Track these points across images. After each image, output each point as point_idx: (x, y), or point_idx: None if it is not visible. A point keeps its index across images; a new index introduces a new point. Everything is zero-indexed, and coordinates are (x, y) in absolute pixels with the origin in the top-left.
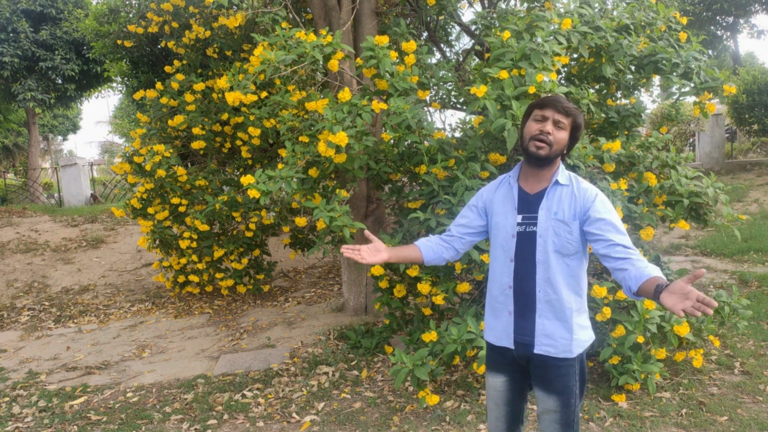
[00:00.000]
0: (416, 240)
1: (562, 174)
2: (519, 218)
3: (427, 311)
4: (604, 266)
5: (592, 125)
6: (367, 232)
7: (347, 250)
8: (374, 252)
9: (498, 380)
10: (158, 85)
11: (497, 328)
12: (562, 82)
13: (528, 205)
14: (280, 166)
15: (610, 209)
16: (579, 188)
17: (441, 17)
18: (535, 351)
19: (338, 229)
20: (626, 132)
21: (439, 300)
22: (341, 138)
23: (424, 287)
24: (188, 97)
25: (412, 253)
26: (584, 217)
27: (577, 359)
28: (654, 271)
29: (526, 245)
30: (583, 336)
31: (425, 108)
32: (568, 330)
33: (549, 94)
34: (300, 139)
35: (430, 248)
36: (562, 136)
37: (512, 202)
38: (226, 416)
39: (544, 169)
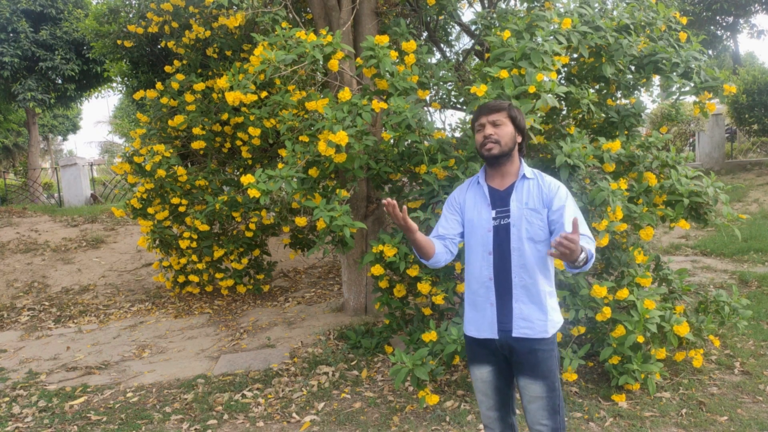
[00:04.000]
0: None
1: (527, 169)
2: (493, 213)
3: (427, 311)
4: (604, 266)
5: (592, 125)
6: (404, 208)
7: (388, 202)
8: (406, 218)
9: (484, 371)
10: (158, 85)
11: (479, 321)
12: (562, 81)
13: (500, 200)
14: (280, 165)
15: (571, 200)
16: (543, 180)
17: (441, 17)
18: (514, 334)
19: (338, 228)
20: (626, 132)
21: (439, 300)
22: (341, 137)
23: (424, 287)
24: (188, 97)
25: (429, 245)
26: (549, 204)
27: (554, 343)
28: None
29: (502, 237)
30: (556, 317)
31: (425, 108)
32: (543, 312)
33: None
34: (300, 138)
35: (440, 248)
36: (506, 130)
37: (485, 200)
38: (226, 416)
39: (505, 165)
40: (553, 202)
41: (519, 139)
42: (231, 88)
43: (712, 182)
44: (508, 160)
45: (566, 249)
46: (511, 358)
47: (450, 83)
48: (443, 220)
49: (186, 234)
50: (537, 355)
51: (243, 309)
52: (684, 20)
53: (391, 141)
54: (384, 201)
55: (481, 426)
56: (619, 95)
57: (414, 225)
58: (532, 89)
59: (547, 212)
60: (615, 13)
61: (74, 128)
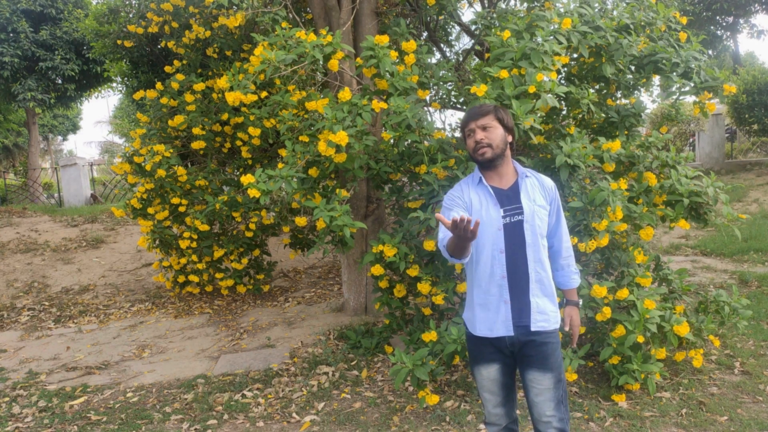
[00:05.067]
0: (417, 239)
1: (525, 169)
2: (502, 212)
3: (427, 311)
4: (604, 266)
5: (592, 125)
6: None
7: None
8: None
9: (492, 369)
10: (158, 85)
11: (491, 320)
12: (562, 81)
13: (506, 198)
14: (280, 165)
15: (562, 214)
16: (540, 179)
17: (441, 17)
18: (532, 329)
19: (338, 228)
20: (626, 132)
21: (439, 300)
22: (341, 137)
23: (424, 287)
24: (188, 97)
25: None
26: (550, 204)
27: (558, 334)
28: (572, 284)
29: (514, 234)
30: (558, 309)
31: (425, 108)
32: (554, 303)
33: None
34: (300, 138)
35: None
36: (496, 133)
37: (492, 199)
38: (226, 416)
39: (501, 166)
40: (552, 206)
41: (509, 139)
42: (231, 88)
43: (712, 182)
44: (502, 161)
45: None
46: (520, 352)
47: (450, 83)
48: (456, 215)
49: (186, 234)
50: (549, 347)
51: (243, 309)
52: (684, 20)
53: (391, 141)
54: (458, 218)
55: (482, 426)
56: (619, 95)
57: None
58: (532, 89)
59: (549, 210)
60: (615, 13)
61: (74, 128)
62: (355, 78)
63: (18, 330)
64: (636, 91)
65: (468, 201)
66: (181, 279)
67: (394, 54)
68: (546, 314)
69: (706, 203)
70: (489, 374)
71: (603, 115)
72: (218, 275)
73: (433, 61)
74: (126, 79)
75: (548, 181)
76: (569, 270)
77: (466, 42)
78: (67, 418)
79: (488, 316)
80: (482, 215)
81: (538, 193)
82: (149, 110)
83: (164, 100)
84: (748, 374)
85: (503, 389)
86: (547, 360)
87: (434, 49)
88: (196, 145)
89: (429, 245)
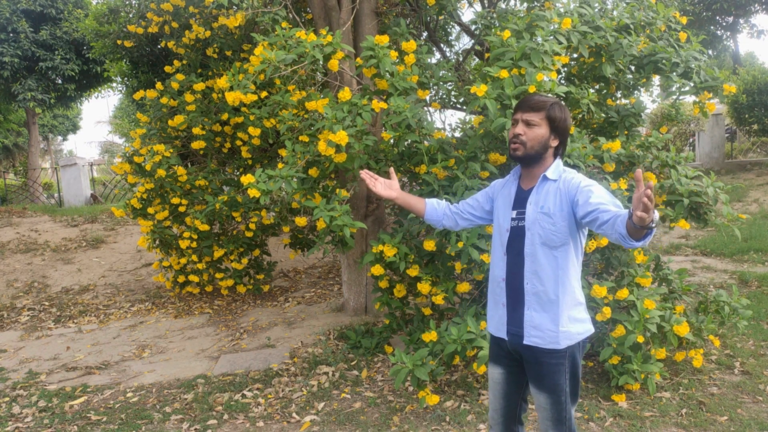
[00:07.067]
0: (417, 239)
1: (554, 170)
2: (513, 214)
3: (427, 311)
4: (604, 266)
5: (592, 125)
6: (391, 170)
7: (366, 174)
8: (387, 187)
9: (496, 372)
10: (158, 85)
11: (495, 318)
12: (562, 81)
13: (521, 201)
14: (280, 165)
15: (593, 184)
16: (564, 180)
17: (441, 17)
18: (524, 342)
19: (338, 228)
20: (626, 132)
21: (439, 300)
22: (341, 137)
23: (424, 287)
24: (188, 97)
25: (418, 204)
26: (573, 203)
27: (568, 356)
28: (625, 216)
29: (517, 239)
30: (574, 329)
31: (425, 108)
32: (555, 322)
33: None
34: (300, 138)
35: (434, 209)
36: (537, 133)
37: (509, 199)
38: (226, 416)
39: (534, 167)
40: (576, 198)
41: (554, 143)
42: (231, 88)
43: (712, 182)
44: (536, 163)
45: (648, 203)
46: (521, 361)
47: (450, 83)
48: (472, 198)
49: (186, 234)
50: (543, 368)
51: (243, 309)
52: (684, 20)
53: (391, 141)
54: (362, 174)
55: (482, 426)
56: (619, 95)
57: (394, 194)
58: (532, 89)
59: (566, 215)
60: (615, 13)
61: (74, 128)
62: (355, 78)
63: (18, 330)
64: (636, 91)
65: (496, 195)
66: (181, 279)
67: (394, 54)
68: (541, 331)
69: (706, 203)
70: (493, 375)
71: (603, 115)
72: (218, 275)
73: (433, 61)
74: (126, 79)
75: (572, 180)
76: (620, 218)
77: (466, 42)
78: (67, 418)
79: (493, 315)
80: (499, 213)
81: (552, 199)
82: (149, 110)
83: (164, 100)
84: (748, 374)
85: (504, 399)
86: (542, 380)
87: (434, 49)
88: (196, 145)
89: (429, 245)
